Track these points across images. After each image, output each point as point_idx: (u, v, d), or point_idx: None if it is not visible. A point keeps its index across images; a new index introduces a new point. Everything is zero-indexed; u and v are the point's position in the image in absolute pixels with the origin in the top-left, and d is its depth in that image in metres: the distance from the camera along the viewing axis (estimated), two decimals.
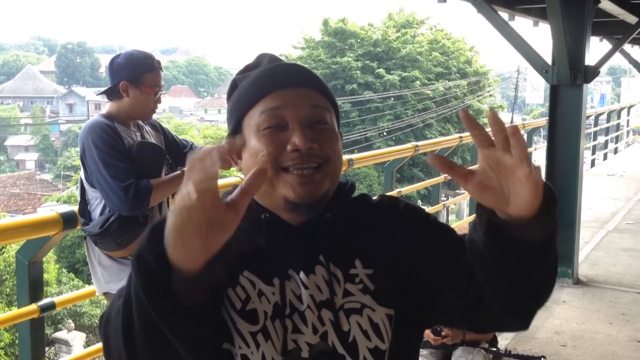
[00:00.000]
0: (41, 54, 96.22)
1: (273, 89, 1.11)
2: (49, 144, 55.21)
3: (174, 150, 2.94)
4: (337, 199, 1.16)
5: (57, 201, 24.14)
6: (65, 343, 13.07)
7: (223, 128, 31.89)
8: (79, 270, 18.83)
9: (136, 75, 2.68)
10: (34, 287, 2.69)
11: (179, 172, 2.76)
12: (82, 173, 2.67)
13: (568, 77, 5.32)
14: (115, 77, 2.70)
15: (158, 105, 2.83)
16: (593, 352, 4.02)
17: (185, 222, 0.79)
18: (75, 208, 2.70)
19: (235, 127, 1.15)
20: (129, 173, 2.55)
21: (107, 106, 2.78)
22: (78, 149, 2.78)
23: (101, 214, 2.62)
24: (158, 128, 2.95)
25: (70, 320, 14.00)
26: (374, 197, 1.27)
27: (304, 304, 1.09)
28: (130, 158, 2.60)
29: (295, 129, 1.08)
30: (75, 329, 13.71)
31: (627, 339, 4.24)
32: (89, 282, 17.41)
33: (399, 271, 1.13)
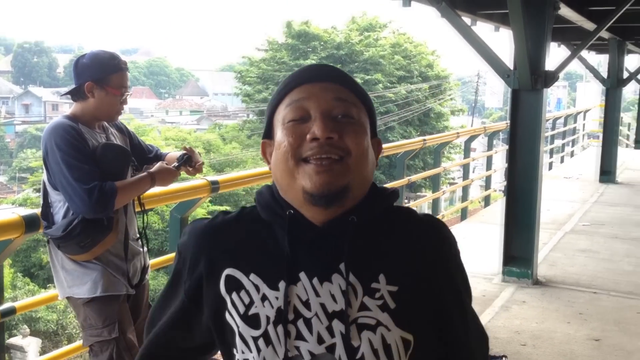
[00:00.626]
0: None
1: (299, 83, 1.11)
2: (4, 145, 53.82)
3: (139, 154, 2.91)
4: (370, 204, 1.13)
5: (12, 204, 23.56)
6: (20, 349, 12.76)
7: (185, 130, 31.60)
8: (35, 274, 18.44)
9: (102, 76, 2.65)
10: None
11: (144, 174, 2.74)
12: (44, 175, 2.62)
13: (528, 82, 5.43)
14: (80, 77, 2.66)
15: (124, 106, 2.80)
16: (552, 351, 4.11)
17: None
18: (37, 211, 2.65)
19: (268, 125, 1.15)
20: (92, 175, 2.51)
21: (70, 107, 2.74)
22: (37, 150, 2.74)
23: (64, 217, 2.58)
24: (124, 130, 2.91)
25: (25, 326, 13.68)
26: (422, 214, 1.21)
27: (311, 310, 1.06)
28: (94, 160, 2.56)
29: (316, 119, 1.08)
30: (31, 335, 13.39)
31: (584, 337, 4.34)
32: (44, 287, 17.07)
33: (423, 298, 1.11)
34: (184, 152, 2.94)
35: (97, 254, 2.60)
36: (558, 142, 13.87)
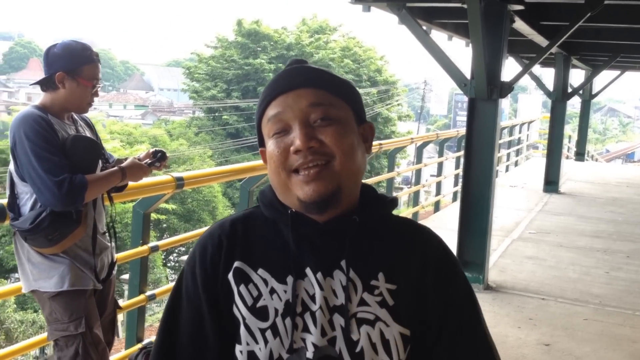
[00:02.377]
0: None
1: (274, 95, 1.13)
2: None
3: None
4: (371, 206, 1.16)
5: None
6: None
7: (130, 124, 30.96)
8: None
9: (74, 67, 2.59)
10: None
11: (115, 168, 2.69)
12: (11, 166, 2.55)
13: (485, 92, 5.56)
14: (51, 67, 2.60)
15: (94, 98, 2.74)
16: (504, 355, 4.20)
17: None
18: (3, 201, 2.57)
19: (259, 135, 1.18)
20: (62, 167, 2.45)
21: (40, 97, 2.67)
22: (8, 140, 2.64)
23: (32, 209, 2.51)
24: (91, 126, 2.86)
25: None
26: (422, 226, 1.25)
27: (316, 304, 1.10)
28: (64, 152, 2.50)
29: (295, 130, 1.10)
30: None
31: (535, 342, 4.48)
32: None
33: (420, 300, 1.14)
34: (159, 149, 2.91)
35: (65, 248, 2.54)
36: (503, 152, 14.22)
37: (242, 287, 1.12)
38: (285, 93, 1.12)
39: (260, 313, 1.10)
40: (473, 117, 5.70)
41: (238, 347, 1.10)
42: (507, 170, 14.33)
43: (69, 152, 2.52)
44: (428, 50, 5.89)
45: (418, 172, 9.44)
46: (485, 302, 5.26)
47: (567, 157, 17.22)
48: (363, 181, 1.20)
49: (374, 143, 6.75)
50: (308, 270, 1.11)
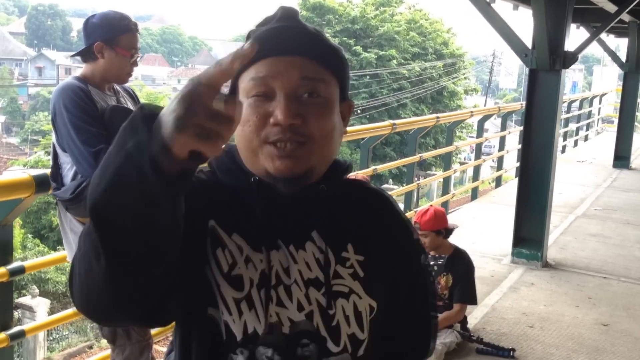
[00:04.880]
0: (11, 15, 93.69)
1: (265, 55, 1.03)
2: (17, 107, 53.97)
3: None
4: (331, 176, 1.12)
5: (24, 165, 23.71)
6: (29, 309, 12.90)
7: None
8: (45, 236, 18.57)
9: (111, 36, 2.59)
10: (4, 251, 2.63)
11: None
12: (54, 137, 2.59)
13: (547, 62, 5.34)
14: (90, 37, 2.61)
15: (134, 68, 2.75)
16: (559, 334, 4.09)
17: (186, 110, 0.75)
18: (48, 171, 2.63)
19: (232, 87, 1.09)
20: (100, 138, 2.47)
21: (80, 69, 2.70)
22: (49, 113, 2.69)
23: (73, 179, 2.55)
24: (133, 96, 2.87)
25: (34, 286, 13.82)
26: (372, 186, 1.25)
27: (290, 278, 1.06)
28: (103, 122, 2.52)
29: (280, 101, 1.02)
30: (40, 295, 13.53)
31: (593, 322, 4.31)
32: (54, 249, 17.20)
33: (384, 268, 1.14)
34: None
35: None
36: (572, 126, 13.73)
37: (219, 251, 1.04)
38: (279, 57, 1.04)
39: (235, 282, 1.03)
40: (534, 88, 5.48)
41: (214, 313, 1.03)
42: (575, 144, 13.84)
43: (108, 123, 2.53)
44: (488, 20, 5.69)
45: (479, 147, 9.19)
46: (543, 280, 5.10)
47: None
48: None
49: (431, 116, 6.58)
50: (280, 242, 1.07)
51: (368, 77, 30.87)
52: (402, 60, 31.39)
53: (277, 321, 1.04)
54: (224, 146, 0.79)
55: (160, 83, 56.14)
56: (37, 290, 13.49)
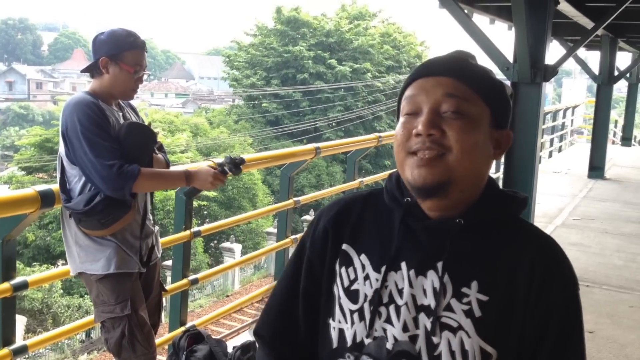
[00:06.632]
0: None
1: (416, 77, 1.15)
2: None
3: None
4: (482, 206, 1.15)
5: None
6: None
7: (172, 113, 31.36)
8: (19, 252, 18.25)
9: (116, 52, 2.64)
10: (7, 266, 2.62)
11: (180, 169, 2.78)
12: (62, 149, 2.60)
13: (528, 75, 5.46)
14: (97, 53, 2.66)
15: (139, 85, 2.78)
16: None
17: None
18: (53, 186, 2.64)
19: (397, 108, 1.20)
20: (113, 152, 2.51)
21: (88, 84, 2.74)
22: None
23: (80, 191, 2.57)
24: (137, 112, 2.91)
25: None
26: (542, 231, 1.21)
27: (403, 299, 1.12)
28: (113, 138, 2.55)
29: (423, 114, 1.11)
30: (16, 313, 13.31)
31: None
32: (28, 265, 16.92)
33: (513, 318, 1.10)
34: (237, 156, 2.91)
35: (115, 231, 2.60)
36: (546, 137, 13.97)
37: (343, 269, 1.18)
38: (426, 77, 1.14)
39: (353, 296, 1.16)
40: (516, 101, 5.59)
41: (332, 323, 1.18)
42: (550, 156, 14.07)
43: (123, 139, 2.57)
44: (470, 34, 5.80)
45: None
46: None
47: (614, 142, 16.84)
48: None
49: (373, 135, 6.47)
50: (403, 265, 1.14)
51: (343, 90, 31.05)
52: (377, 73, 31.67)
53: (382, 336, 1.12)
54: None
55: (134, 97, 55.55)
56: None
